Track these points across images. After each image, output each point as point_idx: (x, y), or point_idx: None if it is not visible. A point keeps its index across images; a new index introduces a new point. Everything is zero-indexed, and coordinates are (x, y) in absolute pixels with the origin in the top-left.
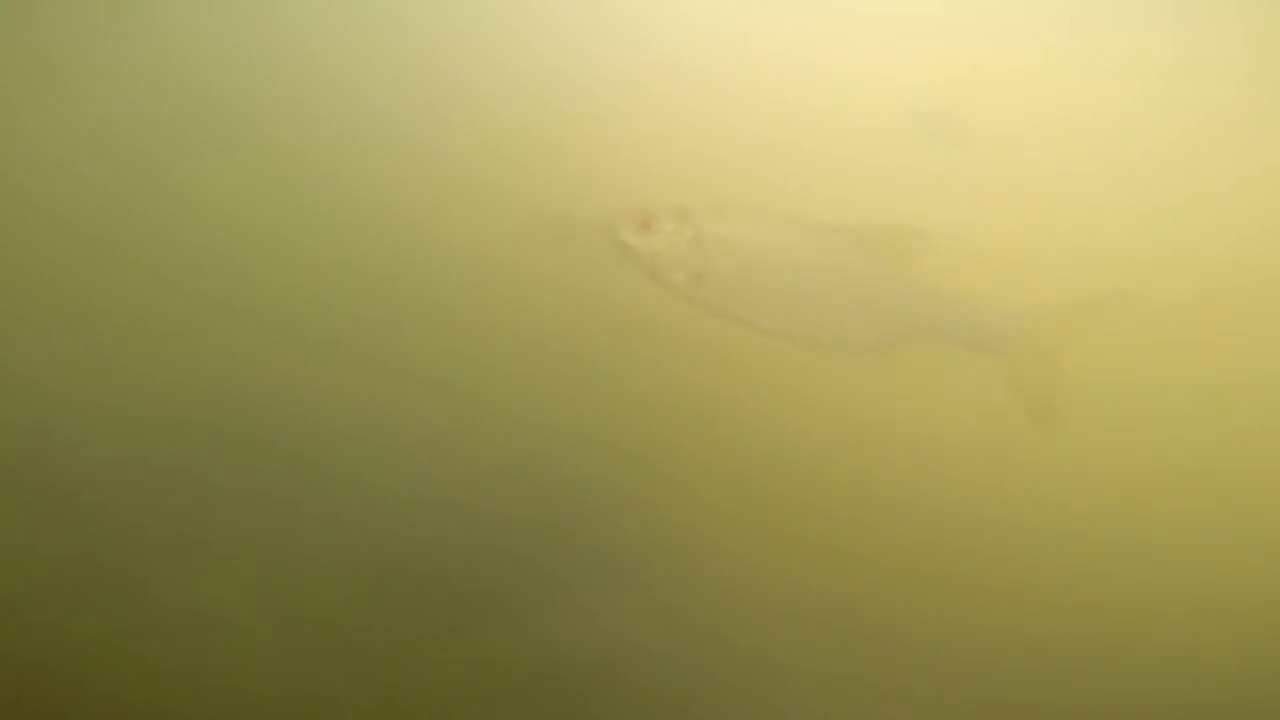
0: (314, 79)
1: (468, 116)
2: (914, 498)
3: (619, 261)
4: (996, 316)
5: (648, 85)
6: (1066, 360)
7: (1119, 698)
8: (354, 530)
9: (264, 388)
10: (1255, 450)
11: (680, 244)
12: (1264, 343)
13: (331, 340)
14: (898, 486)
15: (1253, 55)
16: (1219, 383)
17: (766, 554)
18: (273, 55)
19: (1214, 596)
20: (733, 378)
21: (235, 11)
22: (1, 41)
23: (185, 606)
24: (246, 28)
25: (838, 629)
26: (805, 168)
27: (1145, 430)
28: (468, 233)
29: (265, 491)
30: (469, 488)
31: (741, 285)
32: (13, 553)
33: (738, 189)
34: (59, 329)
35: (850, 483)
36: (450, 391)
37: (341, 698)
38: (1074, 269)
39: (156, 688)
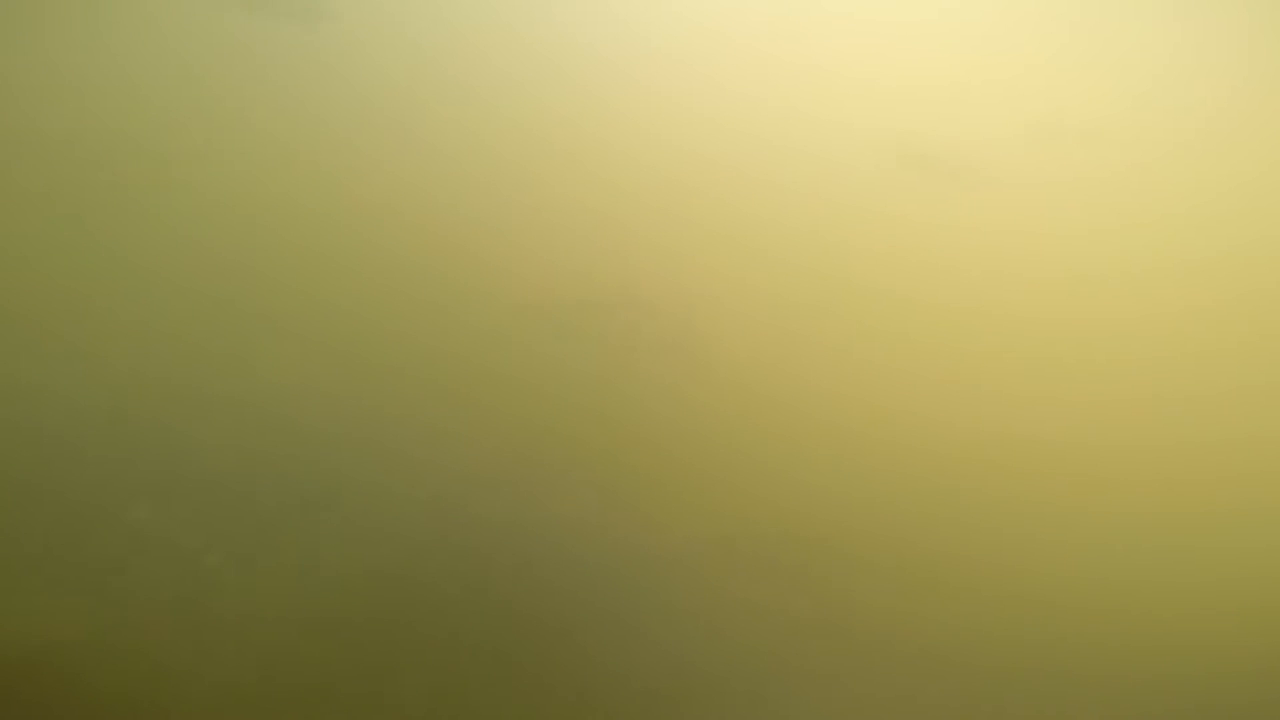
0: (313, 80)
1: (467, 117)
2: (914, 502)
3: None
4: None
5: (645, 85)
6: None
7: (1125, 700)
8: (352, 532)
9: (262, 390)
10: (1258, 454)
11: None
12: (1265, 347)
13: (331, 340)
14: (897, 490)
15: (1254, 55)
16: (1220, 387)
17: (764, 555)
18: (272, 55)
19: (1225, 600)
20: (727, 382)
21: (236, 13)
22: (2, 42)
23: (185, 606)
24: (246, 27)
25: (835, 632)
26: (804, 170)
27: (1146, 431)
28: (468, 233)
29: (264, 492)
30: (465, 491)
31: None
32: (9, 551)
33: (736, 189)
34: (59, 329)
35: (849, 486)
36: (447, 394)
37: (337, 696)
38: (1073, 273)
39: (145, 684)
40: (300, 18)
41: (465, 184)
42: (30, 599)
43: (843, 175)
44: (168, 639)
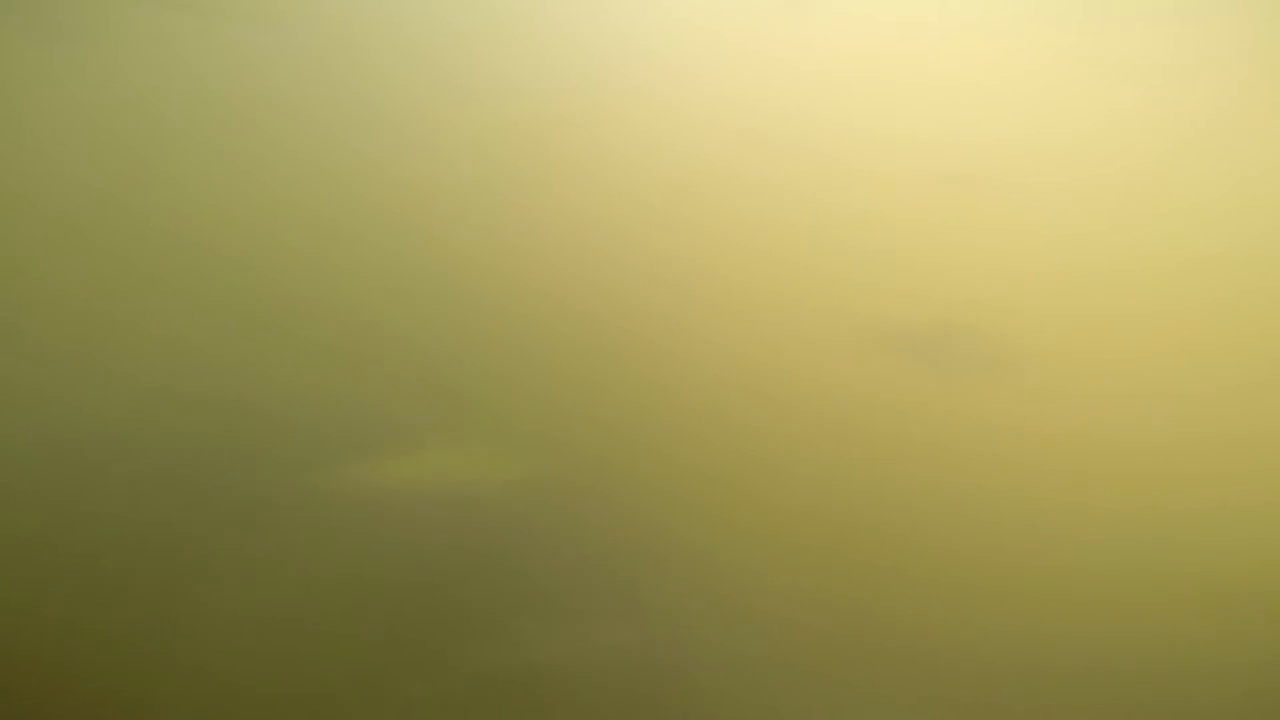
0: (311, 81)
1: (464, 116)
2: (917, 500)
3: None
4: None
5: (644, 88)
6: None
7: (1130, 698)
8: (350, 536)
9: (261, 393)
10: (1258, 449)
11: None
12: (1266, 344)
13: (329, 342)
14: (898, 489)
15: (1253, 56)
16: (1221, 383)
17: (760, 558)
18: (268, 54)
19: (1226, 595)
20: (722, 384)
21: (238, 19)
22: (2, 45)
23: (186, 606)
24: (245, 29)
25: (836, 633)
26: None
27: (1147, 430)
28: (466, 233)
29: (262, 496)
30: (458, 496)
31: None
32: (13, 553)
33: (734, 188)
34: (63, 336)
35: (847, 486)
36: (446, 395)
37: (335, 698)
38: (1072, 275)
39: (151, 684)
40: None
41: (463, 183)
42: (29, 599)
43: None
44: (169, 637)
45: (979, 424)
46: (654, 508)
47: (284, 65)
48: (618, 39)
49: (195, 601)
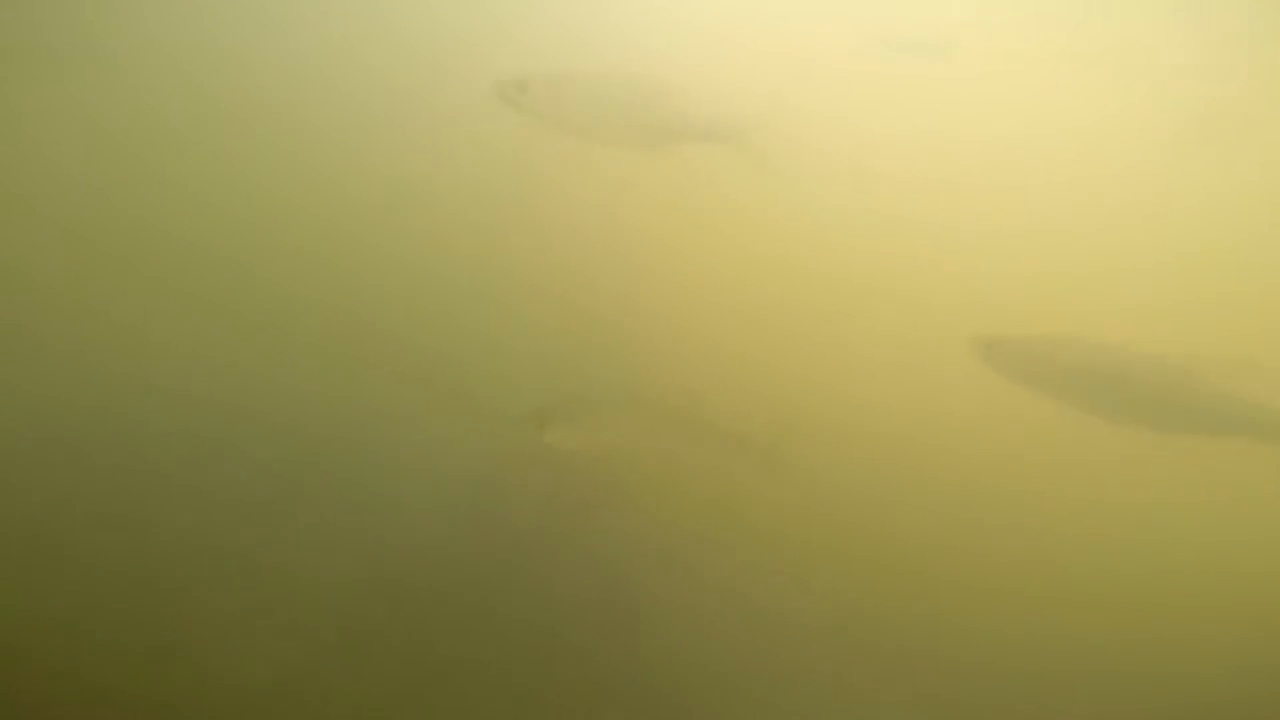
0: (310, 82)
1: (463, 117)
2: (925, 499)
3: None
4: None
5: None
6: None
7: (1130, 700)
8: (351, 535)
9: (262, 395)
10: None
11: None
12: (1265, 343)
13: (328, 344)
14: (906, 488)
15: (1253, 56)
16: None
17: (777, 560)
18: (266, 55)
19: (1228, 594)
20: (721, 381)
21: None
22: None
23: (189, 608)
24: (242, 30)
25: (847, 634)
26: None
27: (1146, 430)
28: (465, 233)
29: (263, 498)
30: (471, 493)
31: None
32: (14, 553)
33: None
34: (65, 336)
35: (853, 486)
36: (448, 396)
37: (339, 695)
38: (1071, 273)
39: (158, 681)
40: None
41: (462, 184)
42: (37, 599)
43: None
44: (169, 635)
45: (979, 423)
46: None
47: (282, 64)
48: (618, 38)
49: (196, 601)
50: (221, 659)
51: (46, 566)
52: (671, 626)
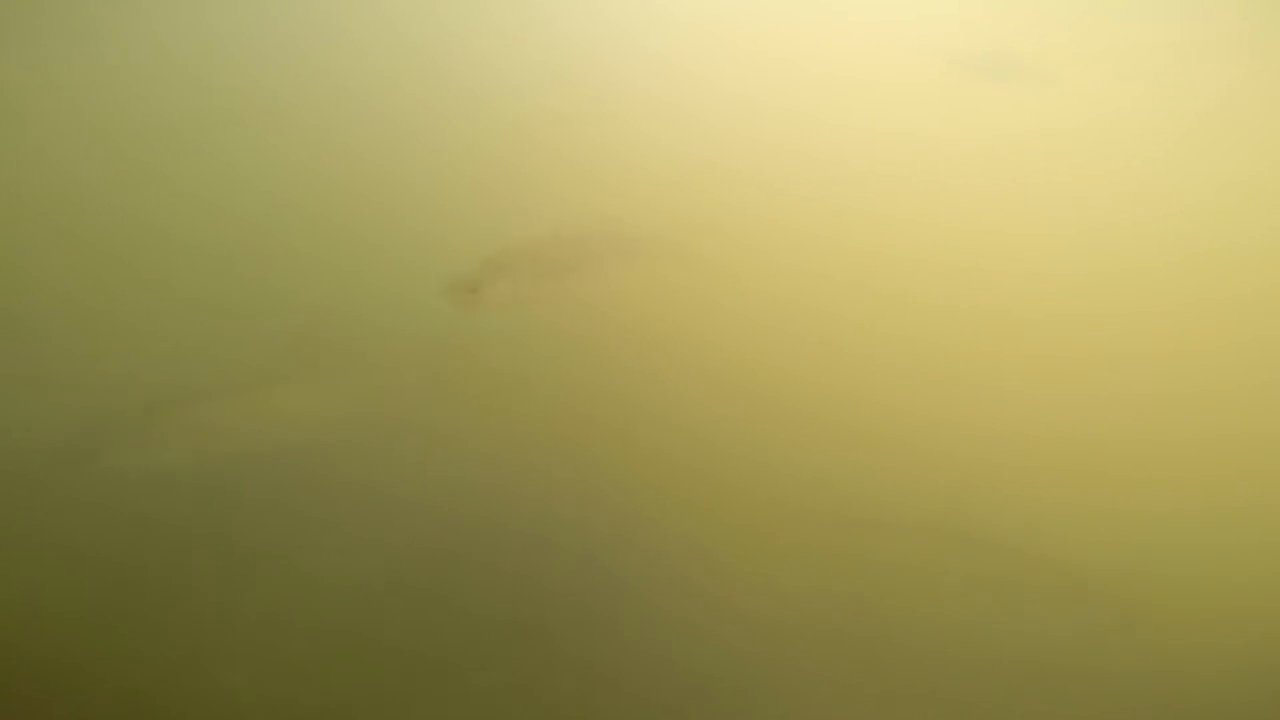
0: (310, 83)
1: (464, 117)
2: (910, 492)
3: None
4: None
5: (638, 88)
6: None
7: (1129, 700)
8: (354, 539)
9: (264, 396)
10: (1257, 449)
11: None
12: (1264, 343)
13: (323, 344)
14: (896, 482)
15: (1253, 55)
16: (1220, 384)
17: (760, 557)
18: (265, 56)
19: (1230, 596)
20: (718, 384)
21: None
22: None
23: (193, 611)
24: (241, 31)
25: (834, 633)
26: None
27: (1147, 430)
28: (464, 234)
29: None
30: (462, 498)
31: None
32: (15, 554)
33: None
34: (68, 335)
35: (845, 482)
36: (438, 396)
37: (351, 708)
38: (1071, 271)
39: (164, 692)
40: None
41: (461, 184)
42: (38, 601)
43: None
44: (174, 643)
45: (977, 426)
46: (643, 500)
47: (280, 64)
48: (618, 39)
49: (189, 601)
50: (207, 656)
51: (48, 567)
52: (659, 629)
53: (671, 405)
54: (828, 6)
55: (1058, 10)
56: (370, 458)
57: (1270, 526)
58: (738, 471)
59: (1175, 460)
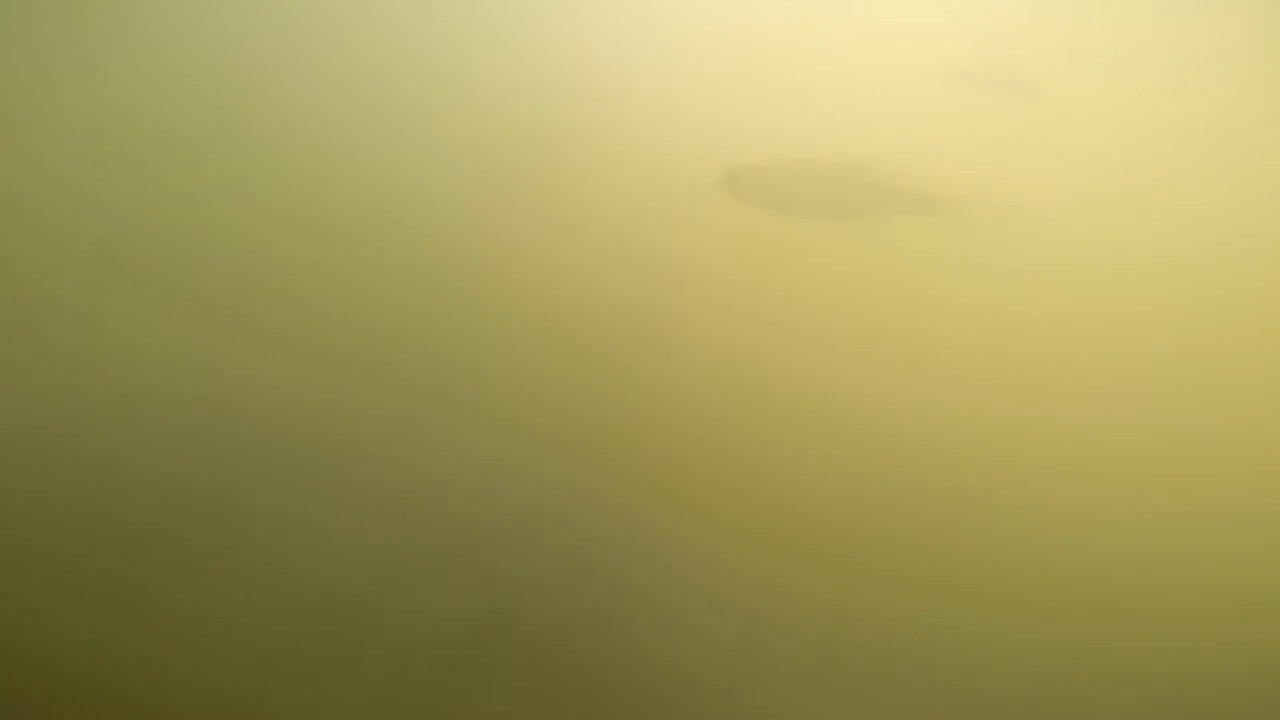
0: (310, 84)
1: (463, 119)
2: (911, 500)
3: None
4: None
5: (640, 86)
6: None
7: (1122, 699)
8: (348, 539)
9: (261, 396)
10: (1256, 449)
11: None
12: (1264, 343)
13: (320, 345)
14: (895, 489)
15: (1246, 68)
16: (1220, 384)
17: (757, 558)
18: (265, 58)
19: (1226, 597)
20: (718, 382)
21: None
22: None
23: (189, 611)
24: (240, 33)
25: (830, 634)
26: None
27: (1145, 429)
28: (464, 234)
29: (261, 500)
30: (453, 495)
31: None
32: (15, 555)
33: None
34: (65, 334)
35: (844, 486)
36: (436, 397)
37: (336, 706)
38: (1071, 271)
39: (157, 692)
40: None
41: (461, 185)
42: (32, 602)
43: None
44: (169, 644)
45: (977, 426)
46: (648, 504)
47: (278, 64)
48: (618, 39)
49: (186, 603)
50: (198, 659)
51: (47, 570)
52: (656, 630)
53: (672, 405)
54: None
55: (1057, 22)
56: (380, 451)
57: (1270, 526)
58: (738, 471)
59: (1175, 460)
